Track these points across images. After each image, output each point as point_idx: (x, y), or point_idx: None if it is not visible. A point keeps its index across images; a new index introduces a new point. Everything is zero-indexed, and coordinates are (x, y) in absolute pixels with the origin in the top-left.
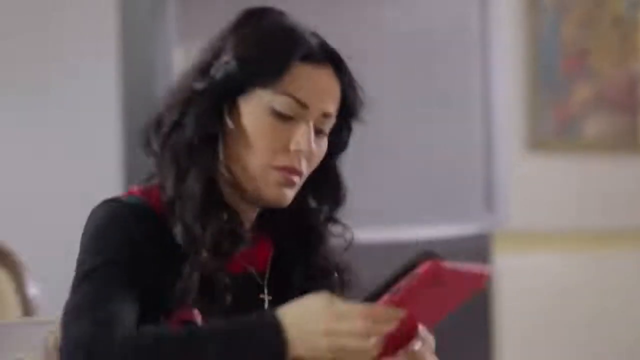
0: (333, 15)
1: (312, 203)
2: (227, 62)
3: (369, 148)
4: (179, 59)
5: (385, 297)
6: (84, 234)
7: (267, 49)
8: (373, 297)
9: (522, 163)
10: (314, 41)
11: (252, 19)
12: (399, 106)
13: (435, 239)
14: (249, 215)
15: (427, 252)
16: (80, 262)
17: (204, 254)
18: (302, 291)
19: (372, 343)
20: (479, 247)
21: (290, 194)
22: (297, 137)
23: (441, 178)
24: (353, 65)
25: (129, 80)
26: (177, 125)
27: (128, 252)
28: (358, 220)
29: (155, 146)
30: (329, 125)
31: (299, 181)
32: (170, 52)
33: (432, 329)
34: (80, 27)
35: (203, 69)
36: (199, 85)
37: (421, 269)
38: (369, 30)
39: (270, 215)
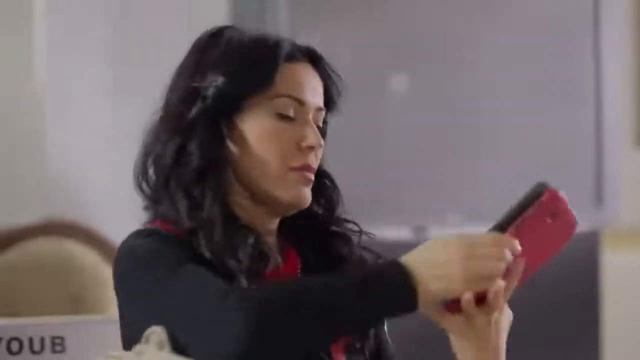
0: (444, 2)
1: (315, 207)
2: (215, 80)
3: (475, 141)
4: None
5: (511, 228)
6: (125, 272)
7: (252, 57)
8: (499, 228)
9: (632, 159)
10: (290, 42)
11: (216, 39)
12: (508, 96)
13: None
14: (270, 228)
15: (543, 183)
16: (147, 278)
17: (242, 279)
18: None
19: (504, 268)
20: (587, 245)
21: (309, 193)
22: (307, 134)
23: (549, 173)
24: (460, 55)
25: None
26: (179, 156)
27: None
28: (460, 215)
29: (158, 183)
30: (321, 120)
31: (313, 178)
32: None
33: (533, 273)
34: (191, 23)
35: (190, 96)
36: (193, 112)
37: (545, 197)
38: (480, 19)
39: (290, 225)
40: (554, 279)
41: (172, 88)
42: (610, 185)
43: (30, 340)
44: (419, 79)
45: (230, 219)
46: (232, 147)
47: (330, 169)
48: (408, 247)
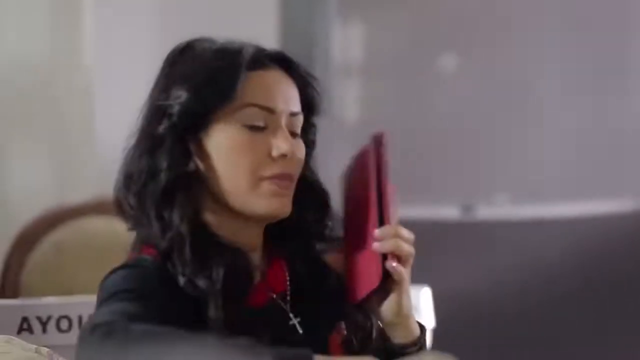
0: None
1: (300, 213)
2: (179, 96)
3: (525, 120)
4: (339, 32)
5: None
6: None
7: (214, 69)
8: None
9: None
10: (253, 49)
11: (185, 52)
12: (562, 76)
13: (593, 215)
14: (253, 243)
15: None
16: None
17: (218, 302)
18: (325, 303)
19: None
20: (637, 224)
21: (287, 202)
22: (277, 142)
23: (598, 153)
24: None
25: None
26: (148, 175)
27: (151, 299)
28: (513, 195)
29: (135, 204)
30: (299, 125)
31: (291, 186)
32: (330, 26)
33: None
34: (240, 4)
35: (157, 114)
36: (160, 129)
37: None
38: None
39: (278, 236)
40: (604, 258)
41: (144, 106)
42: None
43: (80, 318)
44: (467, 58)
45: (203, 237)
46: (201, 163)
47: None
48: (456, 226)
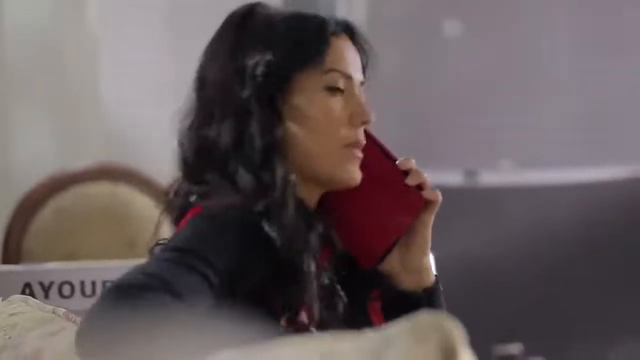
0: None
1: None
2: (262, 58)
3: (528, 87)
4: None
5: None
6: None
7: (302, 33)
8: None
9: None
10: (331, 17)
11: (253, 16)
12: (563, 43)
13: (595, 181)
14: (315, 202)
15: None
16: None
17: (312, 262)
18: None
19: None
20: (639, 190)
21: (359, 171)
22: (361, 109)
23: (602, 121)
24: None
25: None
26: (238, 141)
27: (226, 261)
28: (516, 160)
29: (213, 167)
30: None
31: (361, 155)
32: None
33: None
34: None
35: (236, 77)
36: (245, 93)
37: None
38: None
39: None
40: (607, 223)
41: (209, 69)
42: None
43: (82, 284)
44: (472, 24)
45: (299, 202)
46: (288, 124)
47: (382, 112)
48: (459, 192)
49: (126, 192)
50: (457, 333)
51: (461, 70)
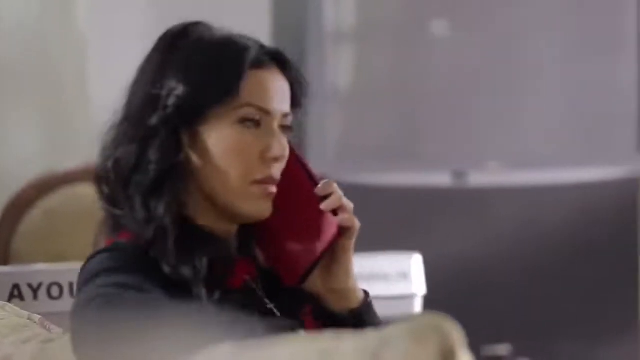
0: None
1: None
2: (176, 88)
3: (516, 87)
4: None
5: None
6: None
7: (216, 65)
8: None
9: None
10: (256, 47)
11: (183, 38)
12: (549, 43)
13: (583, 182)
14: (232, 227)
15: None
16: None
17: (201, 288)
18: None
19: None
20: (626, 191)
21: (270, 205)
22: (273, 144)
23: (589, 120)
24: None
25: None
26: (137, 165)
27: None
28: (504, 162)
29: (117, 188)
30: (288, 123)
31: (274, 190)
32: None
33: None
34: None
35: (150, 102)
36: (153, 120)
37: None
38: None
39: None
40: (594, 224)
41: (134, 89)
42: None
43: (71, 285)
44: (460, 24)
45: (186, 228)
46: (193, 156)
47: (371, 113)
48: (447, 193)
49: None
50: (457, 335)
51: (449, 71)
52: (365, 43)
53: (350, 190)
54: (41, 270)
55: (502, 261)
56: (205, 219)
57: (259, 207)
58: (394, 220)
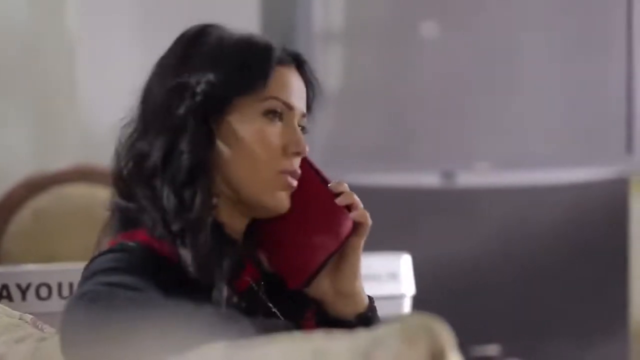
0: None
1: None
2: (205, 77)
3: (505, 88)
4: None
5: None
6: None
7: (246, 57)
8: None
9: None
10: (280, 45)
11: (205, 36)
12: (539, 44)
13: (573, 183)
14: (243, 226)
15: None
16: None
17: (224, 289)
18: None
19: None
20: (616, 191)
21: (289, 199)
22: (296, 139)
23: (579, 121)
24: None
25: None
26: (167, 156)
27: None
28: (493, 162)
29: (139, 180)
30: (304, 124)
31: (295, 184)
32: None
33: None
34: None
35: (177, 93)
36: (181, 110)
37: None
38: None
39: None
40: (583, 225)
41: (155, 83)
42: None
43: (59, 286)
44: (449, 25)
45: (215, 226)
46: (222, 146)
47: (360, 114)
48: (436, 193)
49: (105, 193)
50: (447, 335)
51: (438, 72)
52: (354, 44)
53: None
54: (30, 270)
55: (491, 261)
56: (223, 215)
57: (281, 199)
58: (383, 221)
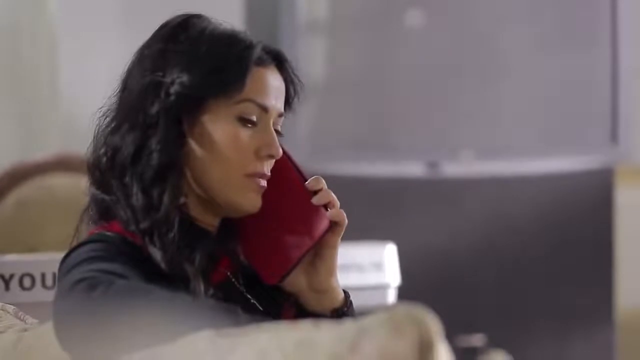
0: None
1: None
2: (179, 77)
3: (490, 77)
4: None
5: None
6: (62, 275)
7: (223, 58)
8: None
9: None
10: (258, 43)
11: (184, 30)
12: (524, 33)
13: (558, 172)
14: (216, 220)
15: None
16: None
17: (199, 283)
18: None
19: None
20: (602, 181)
21: (260, 199)
22: (269, 142)
23: (564, 109)
24: None
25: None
26: (137, 153)
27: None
28: (478, 152)
29: (112, 174)
30: (279, 124)
31: (265, 185)
32: None
33: None
34: None
35: (151, 89)
36: (154, 108)
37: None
38: None
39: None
40: (568, 215)
41: (132, 75)
42: (625, 122)
43: (43, 276)
44: (434, 14)
45: (186, 221)
46: (194, 146)
47: (344, 103)
48: (421, 183)
49: (85, 183)
50: (434, 326)
51: (423, 61)
52: (338, 33)
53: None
54: (13, 261)
55: (476, 251)
56: (195, 211)
57: (250, 200)
58: (368, 211)
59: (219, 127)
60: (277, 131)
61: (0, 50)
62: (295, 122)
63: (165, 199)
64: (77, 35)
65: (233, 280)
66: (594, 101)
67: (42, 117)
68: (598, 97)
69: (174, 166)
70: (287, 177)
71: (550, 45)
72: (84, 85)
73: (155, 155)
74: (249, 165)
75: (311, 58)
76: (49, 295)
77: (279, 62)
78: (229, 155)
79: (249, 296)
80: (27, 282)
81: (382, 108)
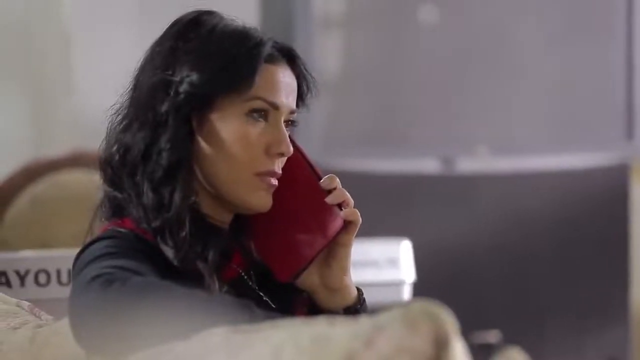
0: None
1: None
2: (189, 76)
3: (505, 73)
4: None
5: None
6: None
7: (232, 56)
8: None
9: None
10: (269, 40)
11: (195, 27)
12: (539, 28)
13: (573, 168)
14: (229, 217)
15: None
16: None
17: (214, 280)
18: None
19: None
20: (617, 177)
21: (270, 198)
22: (279, 140)
23: (579, 105)
24: None
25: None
26: (147, 152)
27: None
28: (493, 148)
29: (124, 172)
30: (293, 118)
31: (276, 183)
32: None
33: None
34: None
35: (161, 88)
36: (164, 107)
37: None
38: None
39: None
40: (583, 211)
41: (144, 72)
42: None
43: (58, 272)
44: (448, 9)
45: (198, 219)
46: (204, 144)
47: (358, 99)
48: (436, 179)
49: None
50: (450, 322)
51: (437, 56)
52: (353, 29)
53: (338, 177)
54: (28, 257)
55: (491, 247)
56: (207, 208)
57: (260, 199)
58: (383, 207)
59: (228, 125)
60: (292, 122)
61: (14, 47)
62: (309, 118)
63: (176, 197)
64: (91, 31)
65: (245, 277)
66: (609, 97)
67: (55, 114)
68: (613, 93)
69: (183, 165)
70: (301, 175)
71: (565, 41)
72: (97, 82)
73: (164, 154)
74: (259, 164)
75: (326, 54)
76: (64, 292)
77: (291, 58)
78: (238, 153)
79: (261, 293)
80: (42, 278)
81: (396, 104)
